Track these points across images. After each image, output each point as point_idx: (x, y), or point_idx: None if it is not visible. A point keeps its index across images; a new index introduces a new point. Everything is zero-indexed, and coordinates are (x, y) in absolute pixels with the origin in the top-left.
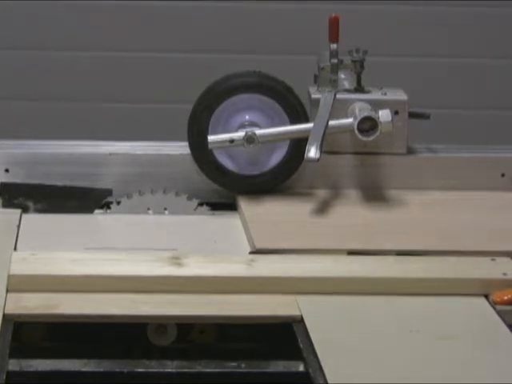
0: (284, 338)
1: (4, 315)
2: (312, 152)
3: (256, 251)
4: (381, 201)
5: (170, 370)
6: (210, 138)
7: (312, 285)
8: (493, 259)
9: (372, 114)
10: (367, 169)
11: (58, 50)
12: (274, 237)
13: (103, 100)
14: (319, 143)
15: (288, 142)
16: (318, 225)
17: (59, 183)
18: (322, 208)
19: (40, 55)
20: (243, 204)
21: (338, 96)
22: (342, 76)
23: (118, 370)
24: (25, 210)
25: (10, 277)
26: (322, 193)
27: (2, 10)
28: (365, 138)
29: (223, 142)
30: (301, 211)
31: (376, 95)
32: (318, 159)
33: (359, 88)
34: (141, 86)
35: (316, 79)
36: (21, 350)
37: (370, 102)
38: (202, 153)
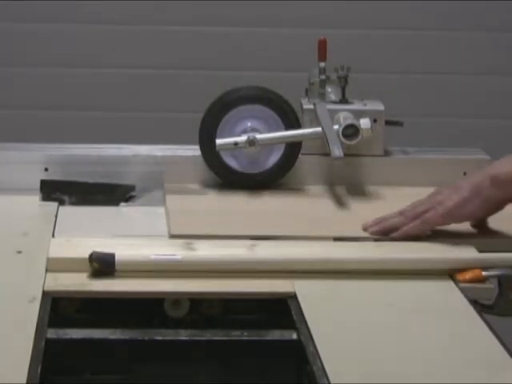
0: (280, 311)
1: (44, 292)
2: (336, 151)
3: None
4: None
5: (183, 338)
6: (218, 141)
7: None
8: (457, 243)
9: (354, 121)
10: (351, 168)
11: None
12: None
13: (129, 110)
14: (339, 143)
15: (284, 145)
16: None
17: (90, 180)
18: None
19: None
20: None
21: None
22: (329, 90)
23: (139, 337)
24: (61, 203)
25: (48, 259)
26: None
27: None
28: (348, 142)
29: (229, 144)
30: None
31: (358, 106)
32: (343, 157)
33: (343, 100)
34: (159, 98)
35: (307, 92)
36: (58, 321)
37: (352, 111)
38: (210, 154)
